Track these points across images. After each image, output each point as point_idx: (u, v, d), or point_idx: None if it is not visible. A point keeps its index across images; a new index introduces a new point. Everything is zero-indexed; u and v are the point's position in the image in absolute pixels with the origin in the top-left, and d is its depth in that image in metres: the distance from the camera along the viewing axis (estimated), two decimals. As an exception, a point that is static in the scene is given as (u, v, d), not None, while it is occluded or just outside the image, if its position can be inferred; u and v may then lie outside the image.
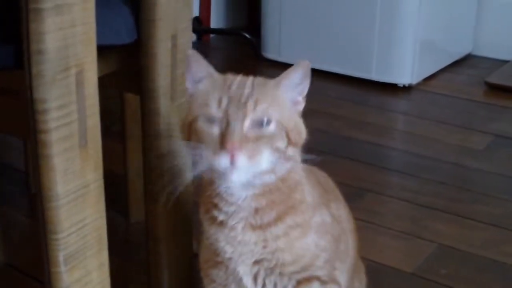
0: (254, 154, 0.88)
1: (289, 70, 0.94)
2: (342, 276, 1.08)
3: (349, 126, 2.34)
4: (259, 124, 0.89)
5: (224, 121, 0.88)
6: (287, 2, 2.84)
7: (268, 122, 0.90)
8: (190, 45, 1.13)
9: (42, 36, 0.84)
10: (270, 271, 1.00)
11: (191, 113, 0.93)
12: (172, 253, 1.22)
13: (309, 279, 1.02)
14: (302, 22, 2.82)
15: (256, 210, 0.96)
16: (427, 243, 1.67)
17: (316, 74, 2.84)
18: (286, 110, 0.93)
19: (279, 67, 2.83)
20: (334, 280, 1.05)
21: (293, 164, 0.95)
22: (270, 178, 0.93)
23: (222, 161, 0.86)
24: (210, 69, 0.95)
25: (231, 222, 0.96)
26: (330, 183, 1.15)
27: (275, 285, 1.02)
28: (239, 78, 0.94)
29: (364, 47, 2.70)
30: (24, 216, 1.79)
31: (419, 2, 2.60)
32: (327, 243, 1.02)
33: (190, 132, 0.92)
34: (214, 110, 0.89)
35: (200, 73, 0.95)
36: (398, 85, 2.69)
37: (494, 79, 2.71)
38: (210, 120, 0.89)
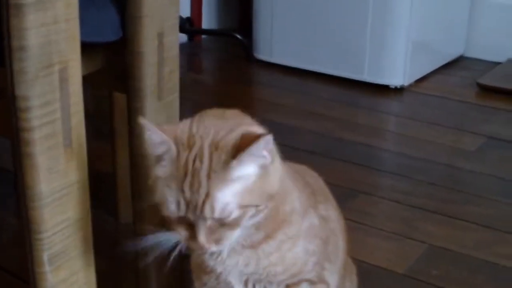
0: (222, 240, 0.88)
1: (251, 146, 0.84)
2: (331, 277, 1.07)
3: (341, 128, 2.34)
4: (221, 219, 0.86)
5: (187, 219, 0.87)
6: (278, 3, 2.83)
7: (229, 215, 0.86)
8: (177, 43, 1.12)
9: (24, 32, 0.83)
10: (259, 280, 0.99)
11: (156, 195, 0.90)
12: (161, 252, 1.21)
13: (298, 282, 1.01)
14: (294, 23, 2.81)
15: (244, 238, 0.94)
16: (418, 244, 1.66)
17: (308, 75, 2.85)
18: (249, 182, 0.87)
19: (270, 68, 2.88)
20: (322, 281, 1.04)
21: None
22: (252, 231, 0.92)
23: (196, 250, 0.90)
24: (163, 136, 0.87)
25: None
26: (319, 183, 1.14)
27: None
28: (194, 155, 0.86)
29: (356, 48, 2.69)
30: (13, 217, 1.77)
31: (411, 4, 2.60)
32: (315, 247, 1.01)
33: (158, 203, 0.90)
34: (175, 213, 0.87)
35: (158, 149, 0.88)
36: (390, 87, 2.68)
37: (486, 80, 2.71)
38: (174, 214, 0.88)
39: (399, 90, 2.68)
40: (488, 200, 1.86)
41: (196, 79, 2.89)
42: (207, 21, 3.35)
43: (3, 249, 1.62)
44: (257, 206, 0.88)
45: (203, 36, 3.33)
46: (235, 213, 0.86)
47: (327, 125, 2.35)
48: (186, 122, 0.90)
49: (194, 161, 0.85)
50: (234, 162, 0.84)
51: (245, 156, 0.84)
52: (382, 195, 1.90)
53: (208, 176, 0.84)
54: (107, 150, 1.76)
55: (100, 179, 1.85)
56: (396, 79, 2.67)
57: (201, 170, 0.85)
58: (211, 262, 0.98)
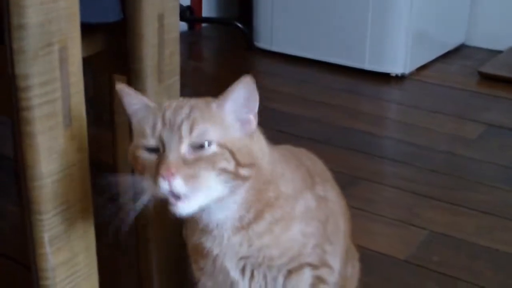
0: (192, 176, 0.84)
1: (231, 88, 0.88)
2: (334, 260, 1.06)
3: (342, 116, 2.33)
4: (199, 147, 0.85)
5: (161, 148, 0.86)
6: (279, -9, 2.83)
7: (209, 144, 0.85)
8: (178, 25, 1.11)
9: (23, 10, 0.82)
10: (258, 265, 0.99)
11: (132, 144, 0.90)
12: (161, 237, 1.21)
13: (299, 267, 1.01)
14: (295, 11, 2.80)
15: (240, 218, 0.94)
16: (419, 230, 1.66)
17: (309, 63, 2.84)
18: (231, 132, 0.88)
19: (271, 57, 2.88)
20: (325, 264, 1.03)
21: (254, 179, 0.91)
22: (234, 199, 0.91)
23: (161, 187, 0.83)
24: (144, 99, 0.91)
25: (215, 231, 0.95)
26: (317, 164, 1.13)
27: (264, 276, 1.01)
28: (176, 102, 0.90)
29: (357, 36, 2.68)
30: (13, 205, 1.77)
31: (413, -8, 2.60)
32: (314, 229, 1.01)
33: (136, 163, 0.89)
34: (149, 138, 0.86)
35: (134, 105, 0.91)
36: (391, 75, 2.67)
37: (487, 69, 2.71)
38: (148, 148, 0.86)
39: (400, 78, 2.68)
40: (488, 187, 1.86)
41: (196, 67, 2.89)
42: (207, 10, 3.34)
43: (4, 236, 1.62)
44: (233, 154, 0.87)
45: (203, 25, 3.32)
46: (213, 148, 0.85)
47: (328, 113, 2.35)
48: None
49: (178, 103, 0.89)
50: (214, 103, 0.88)
51: (226, 96, 0.88)
52: (383, 182, 1.90)
53: (190, 108, 0.87)
54: (106, 138, 1.75)
55: (99, 168, 1.85)
56: (397, 67, 2.67)
57: (183, 105, 0.88)
58: (207, 244, 0.97)
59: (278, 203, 0.96)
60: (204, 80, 2.71)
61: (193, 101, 0.89)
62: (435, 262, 1.54)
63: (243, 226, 0.95)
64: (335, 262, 1.07)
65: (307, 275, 1.02)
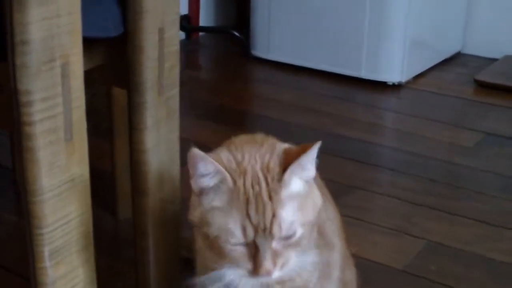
0: (286, 263, 0.89)
1: (304, 157, 0.88)
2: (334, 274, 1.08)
3: (338, 124, 2.34)
4: (286, 238, 0.88)
5: (252, 245, 0.88)
6: (276, 0, 2.83)
7: (294, 233, 0.89)
8: (178, 38, 1.12)
9: (26, 27, 0.83)
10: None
11: (208, 226, 0.89)
12: (160, 248, 1.21)
13: None
14: (291, 20, 2.81)
15: None
16: (416, 239, 1.66)
17: (306, 72, 2.84)
18: (305, 202, 0.91)
19: (267, 65, 2.88)
20: None
21: None
22: None
23: (259, 280, 0.90)
24: (218, 167, 0.88)
25: None
26: (316, 180, 1.14)
27: None
28: (250, 179, 0.88)
29: (353, 45, 2.69)
30: (11, 214, 1.77)
31: (409, 0, 2.60)
32: (319, 257, 1.02)
33: (209, 240, 0.90)
34: (241, 239, 0.87)
35: (207, 171, 0.89)
36: (388, 83, 2.68)
37: (483, 77, 2.72)
38: (236, 244, 0.88)
39: (397, 86, 2.69)
40: (486, 196, 1.87)
41: (193, 76, 2.89)
42: (205, 19, 3.35)
43: (1, 246, 1.62)
44: (311, 222, 0.91)
45: (201, 33, 3.33)
46: (299, 232, 0.89)
47: (325, 121, 2.35)
48: (224, 151, 0.92)
49: (252, 186, 0.88)
50: (286, 176, 0.88)
51: (296, 166, 0.88)
52: (380, 191, 1.90)
53: (270, 197, 0.87)
54: (105, 147, 1.76)
55: (98, 177, 1.85)
56: (393, 76, 2.67)
57: (261, 193, 0.87)
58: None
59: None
60: (201, 89, 2.71)
61: (264, 178, 0.89)
62: (433, 271, 1.54)
63: None
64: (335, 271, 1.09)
65: None
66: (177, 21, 1.10)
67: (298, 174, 0.90)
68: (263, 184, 0.88)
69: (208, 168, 0.88)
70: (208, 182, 0.89)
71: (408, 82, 2.71)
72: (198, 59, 3.16)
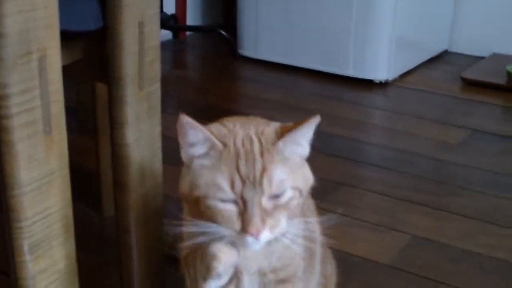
0: (275, 225, 0.88)
1: (300, 127, 0.89)
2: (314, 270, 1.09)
3: (326, 122, 2.31)
4: (275, 196, 0.88)
5: (240, 201, 0.87)
6: (263, -1, 2.84)
7: (284, 193, 0.88)
8: (158, 33, 1.12)
9: (2, 20, 0.83)
10: (263, 277, 0.99)
11: (196, 188, 0.88)
12: (143, 244, 1.21)
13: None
14: (279, 19, 2.81)
15: None
16: (402, 235, 1.67)
17: (293, 71, 2.84)
18: (296, 169, 0.91)
19: (255, 64, 2.88)
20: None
21: None
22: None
23: (247, 242, 0.87)
24: (207, 135, 0.88)
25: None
26: None
27: None
28: (241, 139, 0.89)
29: (340, 43, 2.70)
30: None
31: (396, -1, 2.62)
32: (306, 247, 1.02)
33: (198, 203, 0.89)
34: (229, 193, 0.86)
35: (197, 139, 0.88)
36: (375, 81, 2.69)
37: (470, 74, 2.73)
38: (224, 199, 0.87)
39: (384, 84, 2.69)
40: (472, 192, 1.88)
41: (180, 75, 2.89)
42: (192, 18, 3.35)
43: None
44: (300, 191, 0.90)
45: (188, 33, 3.33)
46: (289, 193, 0.88)
47: (312, 119, 2.35)
48: (215, 124, 0.92)
49: (243, 144, 0.88)
50: (281, 143, 0.88)
51: (291, 136, 0.88)
52: (366, 187, 1.91)
53: (261, 154, 0.87)
54: (90, 145, 1.75)
55: (84, 174, 1.85)
56: (380, 74, 2.68)
57: (253, 150, 0.87)
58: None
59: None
60: (189, 88, 2.71)
61: (257, 139, 0.89)
62: (418, 266, 1.54)
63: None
64: (316, 267, 1.09)
65: None
66: (157, 15, 1.10)
67: (292, 147, 0.90)
68: (256, 143, 0.88)
69: (198, 136, 0.88)
70: (198, 150, 0.89)
71: (395, 80, 2.72)
72: (186, 58, 3.16)
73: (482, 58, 2.94)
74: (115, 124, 1.11)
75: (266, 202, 0.87)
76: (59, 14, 0.92)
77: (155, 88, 1.15)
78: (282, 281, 1.00)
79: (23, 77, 0.87)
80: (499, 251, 1.60)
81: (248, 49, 2.94)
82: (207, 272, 0.90)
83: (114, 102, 1.10)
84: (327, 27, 2.71)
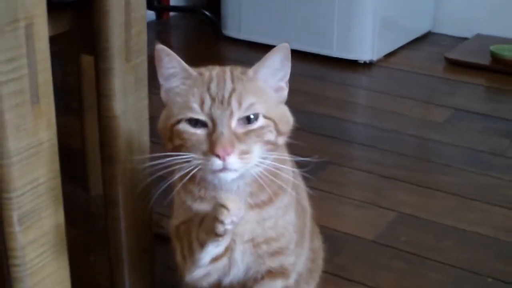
0: (245, 152, 0.87)
1: (267, 55, 0.91)
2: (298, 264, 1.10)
3: (311, 101, 2.34)
4: (246, 120, 0.87)
5: (210, 122, 0.87)
6: (247, -21, 2.83)
7: (255, 118, 0.88)
8: (144, 4, 1.11)
9: (-12, -14, 0.82)
10: (256, 248, 0.99)
11: (171, 115, 0.90)
12: (131, 217, 1.20)
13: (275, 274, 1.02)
14: (262, 10, 2.81)
15: (251, 194, 0.95)
16: (387, 211, 1.68)
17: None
18: (270, 101, 0.91)
19: (239, 45, 2.87)
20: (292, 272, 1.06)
21: (280, 149, 0.94)
22: (258, 169, 0.91)
23: (214, 164, 0.85)
24: (183, 64, 0.91)
25: None
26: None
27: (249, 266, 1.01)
28: (216, 71, 0.91)
29: (324, 24, 2.70)
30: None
31: (379, -21, 2.62)
32: (296, 220, 1.03)
33: (172, 134, 0.89)
34: (198, 113, 0.87)
35: (172, 69, 0.91)
36: (359, 62, 2.69)
37: (453, 55, 2.74)
38: (194, 122, 0.87)
39: (368, 65, 2.70)
40: (455, 169, 1.89)
41: (165, 56, 2.87)
42: (175, -2, 3.33)
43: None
44: (276, 125, 0.89)
45: (171, 13, 3.31)
46: (261, 121, 0.88)
47: (298, 99, 2.35)
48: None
49: (217, 74, 0.90)
50: (251, 71, 0.91)
51: (261, 63, 0.90)
52: (352, 165, 1.92)
53: (232, 80, 0.89)
54: (76, 125, 1.74)
55: (69, 154, 1.84)
56: (364, 54, 2.69)
57: (225, 77, 0.89)
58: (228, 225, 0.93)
59: (288, 187, 0.97)
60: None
61: (232, 72, 0.91)
62: (403, 242, 1.56)
63: (257, 204, 0.95)
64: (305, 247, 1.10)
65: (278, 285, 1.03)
66: (144, -14, 1.09)
67: (264, 76, 0.91)
68: (228, 73, 0.90)
69: (174, 64, 0.90)
70: (174, 83, 0.91)
71: (379, 61, 2.73)
72: (169, 39, 3.14)
73: (466, 38, 2.95)
74: (102, 96, 1.11)
75: (236, 126, 0.87)
76: (45, -17, 0.91)
77: (142, 60, 1.14)
78: (275, 253, 1.01)
79: (10, 45, 0.87)
80: (482, 226, 1.62)
81: (232, 29, 2.93)
82: (208, 234, 0.89)
83: (101, 74, 1.10)
84: (311, 7, 2.70)
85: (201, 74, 0.91)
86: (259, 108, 0.88)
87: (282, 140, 0.92)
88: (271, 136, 0.89)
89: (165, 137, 0.92)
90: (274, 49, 0.91)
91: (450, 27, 3.05)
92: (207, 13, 3.05)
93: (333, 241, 1.48)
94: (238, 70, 0.92)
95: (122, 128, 1.12)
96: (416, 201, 1.74)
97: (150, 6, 3.06)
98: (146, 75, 1.16)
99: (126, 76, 1.11)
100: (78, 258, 1.17)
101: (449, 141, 2.06)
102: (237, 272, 1.01)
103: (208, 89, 0.87)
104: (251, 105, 0.87)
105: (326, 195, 1.73)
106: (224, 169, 0.86)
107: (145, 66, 1.15)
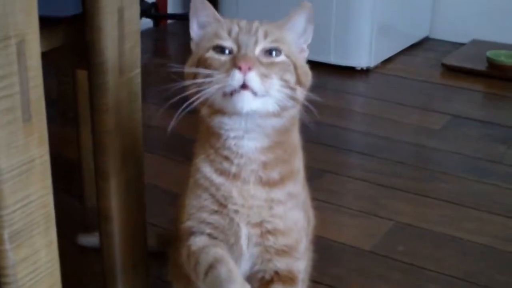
0: (266, 76, 0.88)
1: (292, 14, 0.95)
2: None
3: (307, 109, 2.33)
4: (269, 53, 0.91)
5: (235, 47, 0.90)
6: (243, -14, 2.83)
7: (278, 53, 0.91)
8: (138, 18, 1.11)
9: (-21, 3, 0.81)
10: (263, 238, 0.99)
11: (199, 51, 0.94)
12: (125, 233, 1.20)
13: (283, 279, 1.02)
14: (259, 6, 2.80)
15: (264, 165, 0.96)
16: (385, 221, 1.67)
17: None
18: (292, 48, 0.95)
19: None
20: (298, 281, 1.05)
21: (297, 112, 0.98)
22: (277, 122, 0.93)
23: (235, 78, 0.87)
24: (217, 15, 0.95)
25: (244, 175, 0.96)
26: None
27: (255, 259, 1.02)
28: (245, 21, 0.95)
29: (322, 31, 2.69)
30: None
31: (376, -14, 2.61)
32: (304, 221, 1.03)
33: (198, 67, 0.92)
34: (225, 39, 0.91)
35: (207, 17, 0.95)
36: (356, 68, 2.69)
37: (450, 61, 2.74)
38: (221, 49, 0.90)
39: (365, 71, 2.70)
40: (453, 177, 1.89)
41: (162, 64, 2.87)
42: (172, 6, 3.32)
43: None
44: (296, 68, 0.93)
45: (169, 21, 3.31)
46: (283, 57, 0.91)
47: (294, 107, 2.35)
48: None
49: (246, 22, 0.94)
50: (277, 23, 0.95)
51: (286, 20, 0.95)
52: (349, 174, 1.91)
53: (260, 23, 0.94)
54: (72, 136, 1.74)
55: (66, 165, 1.83)
56: (362, 61, 2.68)
57: (253, 23, 0.94)
58: (235, 194, 0.96)
59: (298, 177, 1.00)
60: (170, 77, 2.69)
61: (258, 22, 0.95)
62: (401, 252, 1.55)
63: (268, 182, 0.96)
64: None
65: None
66: (137, 0, 1.09)
67: (289, 32, 0.95)
68: (256, 22, 0.94)
69: (208, 13, 0.95)
70: (204, 19, 0.95)
71: (376, 67, 2.72)
72: (167, 47, 3.14)
73: (463, 44, 2.95)
74: (95, 111, 1.10)
75: (260, 54, 0.90)
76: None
77: (136, 74, 1.14)
78: (282, 251, 1.01)
79: (1, 62, 0.86)
80: (480, 235, 1.61)
81: (229, 36, 2.92)
82: None
83: (94, 89, 1.09)
84: (308, 14, 2.69)
85: (231, 21, 0.95)
86: (282, 46, 0.92)
87: (300, 93, 0.95)
88: (290, 77, 0.92)
89: (190, 77, 0.94)
90: (297, 9, 0.96)
91: (447, 33, 3.05)
92: (203, 20, 3.04)
93: (330, 251, 1.47)
94: (265, 23, 0.95)
95: (116, 142, 1.12)
96: (413, 210, 1.73)
97: (147, 14, 3.06)
98: (140, 88, 1.16)
99: (120, 90, 1.10)
100: (73, 271, 1.17)
101: (447, 148, 2.06)
102: (244, 266, 1.01)
103: (238, 23, 0.93)
104: (276, 40, 0.92)
105: (323, 205, 1.73)
106: (244, 86, 0.87)
107: (139, 79, 1.15)
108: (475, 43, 2.92)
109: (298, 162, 1.01)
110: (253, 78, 0.87)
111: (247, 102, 0.88)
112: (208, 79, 0.88)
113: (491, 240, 1.59)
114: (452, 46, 2.96)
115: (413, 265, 1.50)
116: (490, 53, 2.64)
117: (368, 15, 2.64)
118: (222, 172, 0.97)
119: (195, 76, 0.91)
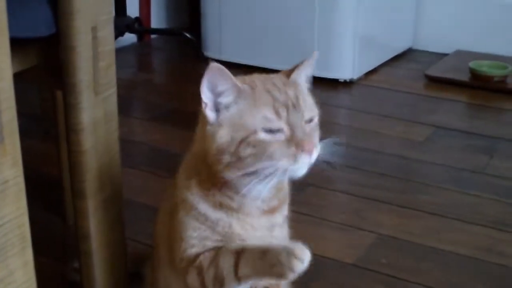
0: (317, 146, 0.94)
1: (306, 62, 1.00)
2: None
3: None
4: (309, 120, 0.94)
5: (287, 127, 0.91)
6: (226, 1, 2.83)
7: (314, 117, 0.95)
8: (113, 37, 1.11)
9: None
10: None
11: (240, 129, 0.91)
12: (103, 251, 1.19)
13: None
14: (242, 20, 2.81)
15: (269, 198, 0.99)
16: (367, 233, 1.67)
17: (258, 71, 2.83)
18: (312, 100, 0.99)
19: (219, 65, 2.86)
20: None
21: None
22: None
23: (304, 161, 0.91)
24: (234, 81, 0.93)
25: (246, 209, 0.98)
26: None
27: None
28: (262, 82, 0.95)
29: (304, 43, 2.70)
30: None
31: (358, -2, 2.63)
32: None
33: (240, 146, 0.91)
34: (276, 121, 0.90)
35: (223, 86, 0.93)
36: (340, 80, 2.70)
37: (433, 72, 2.75)
38: (272, 131, 0.90)
39: (348, 83, 2.70)
40: (436, 188, 1.89)
41: (146, 78, 2.87)
42: (156, 21, 3.33)
43: None
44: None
45: (153, 36, 3.31)
46: (316, 118, 0.96)
47: (278, 120, 2.35)
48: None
49: (266, 84, 0.94)
50: (294, 75, 0.98)
51: (299, 69, 0.99)
52: (331, 187, 1.91)
53: (285, 85, 0.94)
54: (54, 152, 1.73)
55: (47, 182, 1.83)
56: (345, 73, 2.69)
57: (278, 85, 0.94)
58: (236, 228, 0.98)
59: (286, 199, 1.04)
60: (155, 91, 2.69)
61: (273, 78, 0.97)
62: (384, 264, 1.55)
63: (269, 209, 0.99)
64: None
65: None
66: (111, 20, 1.09)
67: (301, 80, 0.99)
68: (277, 79, 0.96)
69: (227, 83, 0.92)
70: (226, 99, 0.92)
71: (359, 79, 2.73)
72: (151, 61, 3.14)
73: (446, 55, 2.96)
74: (71, 130, 1.10)
75: (305, 126, 0.93)
76: (8, 20, 0.90)
77: (112, 93, 1.13)
78: None
79: (-28, 85, 0.86)
80: (463, 247, 1.61)
81: (213, 50, 2.93)
82: (263, 274, 0.94)
83: (69, 108, 1.09)
84: (291, 28, 2.71)
85: (253, 87, 0.93)
86: (314, 108, 0.97)
87: None
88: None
89: (225, 152, 0.92)
90: (309, 59, 1.01)
91: (430, 44, 3.07)
92: (187, 34, 3.05)
93: (312, 265, 1.46)
94: (277, 76, 0.98)
95: (92, 162, 1.11)
96: (396, 222, 1.73)
97: (131, 29, 3.06)
98: (116, 107, 1.15)
99: (95, 109, 1.10)
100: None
101: (430, 160, 2.06)
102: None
103: (274, 99, 0.91)
104: (312, 105, 0.96)
105: (305, 218, 1.73)
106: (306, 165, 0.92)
107: (114, 98, 1.14)
108: (458, 53, 2.94)
109: (288, 185, 1.04)
110: (315, 155, 0.93)
111: (302, 173, 0.94)
112: (271, 167, 0.90)
113: (475, 251, 1.60)
114: (435, 57, 2.98)
115: (396, 278, 1.50)
116: (472, 64, 2.66)
117: (351, 26, 2.65)
118: (220, 206, 0.98)
119: (235, 153, 0.91)
